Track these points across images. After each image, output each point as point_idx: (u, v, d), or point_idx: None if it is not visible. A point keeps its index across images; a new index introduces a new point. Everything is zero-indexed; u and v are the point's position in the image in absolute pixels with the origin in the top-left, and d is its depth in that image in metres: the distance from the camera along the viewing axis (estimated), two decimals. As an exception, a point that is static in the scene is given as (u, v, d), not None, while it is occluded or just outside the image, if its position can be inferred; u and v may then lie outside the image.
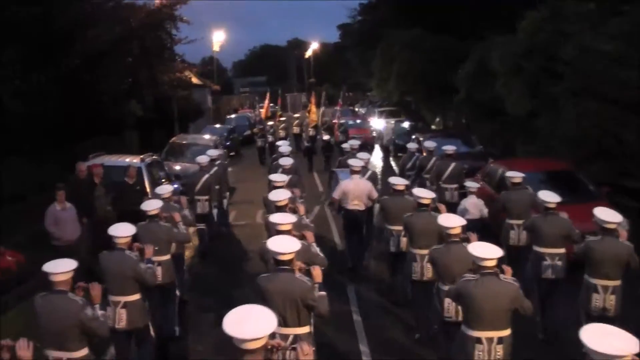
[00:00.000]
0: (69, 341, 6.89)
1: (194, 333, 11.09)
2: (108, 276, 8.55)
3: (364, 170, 14.55)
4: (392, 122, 36.81)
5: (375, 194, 13.93)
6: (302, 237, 8.49)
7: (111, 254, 8.67)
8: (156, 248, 9.38)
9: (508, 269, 7.43)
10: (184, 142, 24.52)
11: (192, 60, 78.01)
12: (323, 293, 7.17)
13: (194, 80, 44.50)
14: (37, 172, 19.14)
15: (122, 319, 8.53)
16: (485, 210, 13.16)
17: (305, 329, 7.14)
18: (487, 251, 7.23)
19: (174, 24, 27.59)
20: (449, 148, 16.80)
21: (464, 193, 14.36)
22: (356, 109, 58.70)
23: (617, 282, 8.84)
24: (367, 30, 44.65)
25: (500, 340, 7.14)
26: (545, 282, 10.19)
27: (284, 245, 7.08)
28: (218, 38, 58.52)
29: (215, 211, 16.38)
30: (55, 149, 21.32)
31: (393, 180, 12.41)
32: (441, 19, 32.06)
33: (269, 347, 5.11)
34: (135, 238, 9.06)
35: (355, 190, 13.73)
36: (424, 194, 10.66)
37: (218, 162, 17.46)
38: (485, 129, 24.16)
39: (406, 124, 35.42)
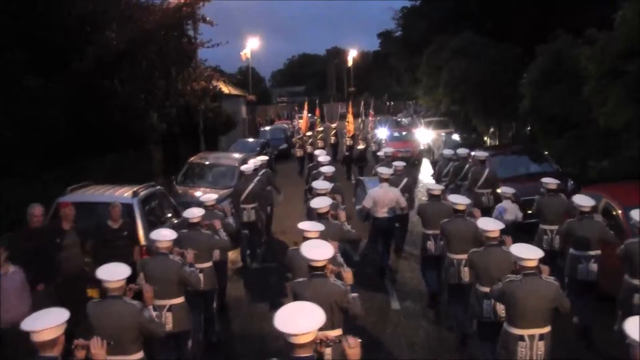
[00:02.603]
0: (126, 344, 7.06)
1: (234, 338, 11.58)
2: (153, 280, 8.55)
3: (399, 178, 15.33)
4: (443, 134, 33.51)
5: (404, 202, 14.33)
6: (335, 217, 9.61)
7: (155, 259, 9.02)
8: (196, 252, 9.62)
9: (546, 269, 7.74)
10: (205, 162, 20.96)
11: (228, 70, 77.25)
12: (355, 294, 7.45)
13: (225, 89, 41.88)
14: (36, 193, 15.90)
15: (168, 322, 8.77)
16: (520, 214, 13.49)
17: (339, 331, 7.24)
18: (528, 252, 7.63)
19: (195, 26, 24.67)
20: (482, 154, 17.39)
21: (498, 198, 14.71)
22: (399, 119, 55.52)
23: None
24: (411, 35, 41.54)
25: (542, 337, 7.51)
26: (580, 283, 10.63)
27: (317, 253, 7.32)
28: (252, 45, 56.14)
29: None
30: (63, 166, 18.64)
31: (430, 186, 13.09)
32: (497, 21, 28.74)
33: (318, 340, 5.38)
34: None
35: (384, 198, 14.00)
36: (460, 200, 11.03)
37: (263, 170, 17.60)
38: (555, 144, 20.56)
39: (456, 136, 32.25)
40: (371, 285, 13.60)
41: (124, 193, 12.90)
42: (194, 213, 10.70)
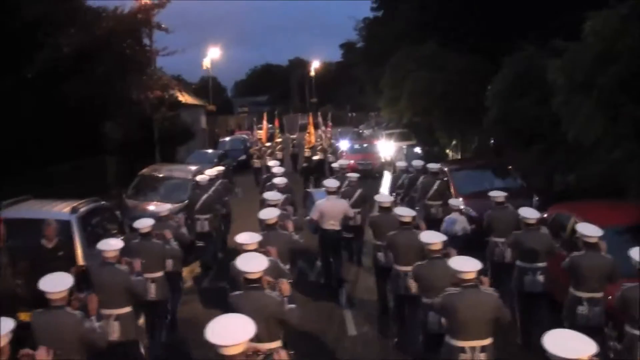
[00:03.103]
0: (69, 354, 6.95)
1: (183, 350, 11.20)
2: (99, 289, 8.53)
3: (353, 189, 15.69)
4: (404, 146, 32.87)
5: (351, 214, 14.54)
6: (267, 254, 8.65)
7: (102, 267, 8.93)
8: (143, 261, 9.48)
9: (486, 280, 7.80)
10: (158, 174, 19.93)
11: (190, 80, 76.24)
12: (293, 306, 7.54)
13: (184, 99, 40.92)
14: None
15: (114, 332, 8.69)
16: (469, 227, 13.63)
17: (277, 343, 7.29)
18: (466, 264, 7.63)
19: (150, 33, 23.76)
20: (434, 166, 17.43)
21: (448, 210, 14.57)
22: (360, 131, 54.94)
23: (601, 294, 9.22)
24: (374, 46, 41.02)
25: (483, 348, 7.52)
26: (527, 295, 10.70)
27: (252, 265, 7.40)
28: (213, 54, 55.30)
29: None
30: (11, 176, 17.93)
31: (379, 198, 13.02)
32: (461, 33, 28.20)
33: (250, 352, 5.54)
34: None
35: (331, 210, 14.08)
36: (405, 212, 11.11)
37: (219, 181, 17.61)
38: (521, 158, 19.96)
39: (418, 149, 31.65)
40: (325, 310, 13.47)
41: (63, 209, 11.89)
42: (145, 223, 10.72)
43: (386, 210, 12.36)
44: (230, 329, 5.29)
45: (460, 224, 13.67)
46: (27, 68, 18.92)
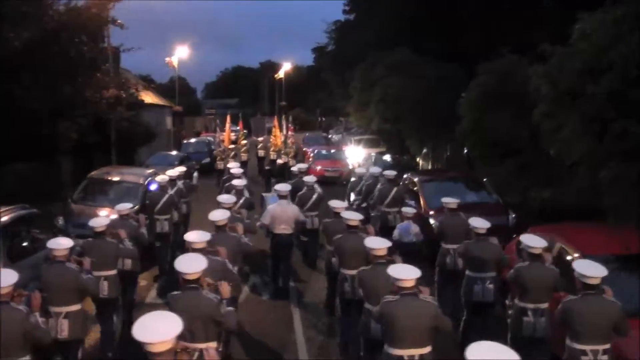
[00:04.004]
0: (13, 349, 6.98)
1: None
2: (49, 287, 8.67)
3: (310, 192, 15.90)
4: (373, 153, 31.77)
5: (302, 218, 14.71)
6: (216, 254, 8.92)
7: (51, 266, 8.90)
8: (93, 260, 9.52)
9: (425, 289, 7.74)
10: (107, 178, 18.51)
11: (159, 80, 74.78)
12: (231, 309, 7.68)
13: (149, 98, 39.61)
14: None
15: (63, 329, 8.66)
16: (421, 235, 13.74)
17: (212, 344, 7.36)
18: (405, 272, 7.57)
19: (104, 28, 22.44)
20: (390, 173, 17.41)
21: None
22: (329, 136, 53.84)
23: (546, 305, 9.11)
24: (345, 50, 40.04)
25: (422, 357, 7.45)
26: (476, 304, 10.68)
27: (189, 266, 7.37)
28: (181, 53, 53.98)
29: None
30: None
31: (332, 203, 12.74)
32: (436, 39, 27.22)
33: (178, 349, 5.45)
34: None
35: (282, 215, 14.14)
36: (352, 216, 11.06)
37: (181, 181, 17.51)
38: (494, 171, 18.92)
39: (388, 157, 30.56)
40: (273, 311, 13.49)
41: None
42: (99, 222, 10.66)
43: (339, 215, 12.06)
44: (156, 327, 5.26)
45: (412, 231, 13.74)
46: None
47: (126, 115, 27.87)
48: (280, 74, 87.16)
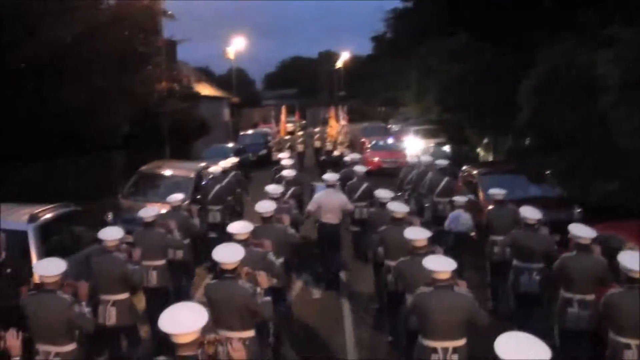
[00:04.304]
0: (57, 336, 7.32)
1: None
2: (98, 276, 9.11)
3: (359, 183, 15.80)
4: (431, 144, 30.95)
5: (350, 207, 14.54)
6: (259, 245, 9.08)
7: (101, 255, 9.33)
8: (142, 250, 9.79)
9: (463, 283, 7.63)
10: (158, 172, 18.24)
11: (217, 72, 74.88)
12: (267, 299, 7.62)
13: (203, 90, 39.48)
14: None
15: (111, 317, 9.08)
16: (472, 225, 13.52)
17: (249, 333, 7.55)
18: (440, 264, 7.48)
19: (155, 21, 22.19)
20: (442, 162, 17.32)
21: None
22: (389, 126, 52.99)
23: (592, 297, 8.86)
24: (402, 38, 39.22)
25: (455, 350, 7.36)
26: (521, 295, 10.55)
27: (227, 255, 7.52)
28: (238, 44, 53.75)
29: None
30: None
31: (378, 193, 12.81)
32: (494, 24, 26.24)
33: (205, 342, 5.53)
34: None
35: (328, 203, 14.04)
36: (397, 208, 10.94)
37: (232, 172, 17.64)
38: (556, 162, 18.03)
39: (447, 147, 29.71)
40: (322, 303, 13.52)
41: (20, 217, 10.28)
42: (149, 212, 10.85)
43: (385, 206, 11.91)
44: (182, 318, 5.33)
45: (464, 221, 13.56)
46: (20, 58, 17.44)
47: (179, 107, 27.68)
48: (339, 63, 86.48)
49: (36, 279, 9.24)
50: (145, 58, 22.00)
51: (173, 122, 27.76)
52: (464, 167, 18.53)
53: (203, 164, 19.57)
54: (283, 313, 10.94)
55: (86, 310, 7.56)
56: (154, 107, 24.26)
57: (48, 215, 10.65)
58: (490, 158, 30.27)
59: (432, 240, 9.21)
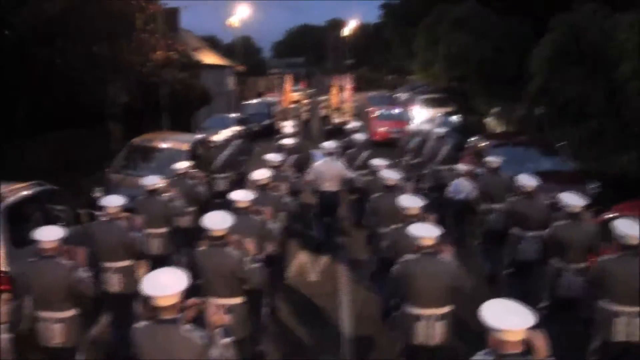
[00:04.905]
0: (58, 302, 7.36)
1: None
2: (99, 244, 9.09)
3: (358, 151, 15.71)
4: (439, 114, 29.95)
5: (349, 175, 14.43)
6: (258, 213, 9.14)
7: (102, 223, 9.31)
8: (144, 218, 10.04)
9: (448, 248, 7.66)
10: (149, 144, 17.33)
11: (224, 41, 73.88)
12: (256, 265, 7.68)
13: (206, 59, 38.68)
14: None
15: (114, 284, 9.09)
16: (474, 193, 13.24)
17: (237, 300, 7.64)
18: (425, 231, 7.51)
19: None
20: (441, 131, 17.43)
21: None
22: (396, 95, 51.98)
23: (584, 264, 8.95)
24: (410, 4, 38.25)
25: (440, 317, 7.39)
26: (520, 263, 10.55)
27: (215, 222, 7.56)
28: (242, 13, 52.64)
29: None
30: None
31: (373, 162, 12.99)
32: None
33: (188, 306, 5.61)
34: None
35: (327, 172, 14.16)
36: (389, 175, 11.08)
37: (235, 141, 18.04)
38: (567, 135, 17.16)
39: (455, 117, 28.73)
40: (321, 268, 13.65)
41: None
42: (151, 181, 10.98)
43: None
44: (162, 282, 5.41)
45: (465, 189, 13.57)
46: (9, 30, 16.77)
47: (179, 77, 26.84)
48: (346, 32, 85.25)
49: (1, 266, 8.66)
50: (139, 25, 21.08)
51: (172, 92, 26.98)
52: (473, 138, 17.67)
53: (199, 136, 18.83)
54: (280, 281, 11.37)
55: (85, 275, 7.53)
56: (151, 76, 23.39)
57: (15, 197, 9.77)
58: (500, 128, 29.40)
59: (426, 208, 9.20)
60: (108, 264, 9.11)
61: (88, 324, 8.28)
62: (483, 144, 16.66)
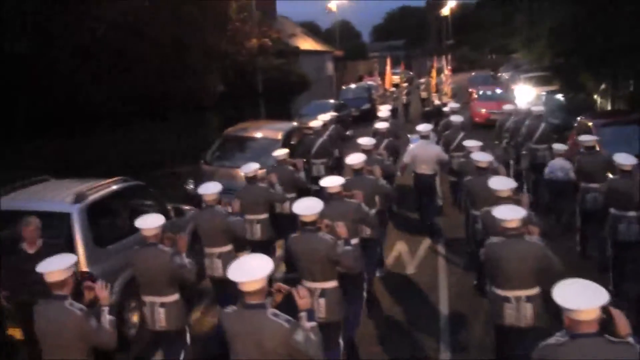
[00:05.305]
0: (161, 287, 7.72)
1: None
2: (201, 230, 9.53)
3: (455, 133, 15.65)
4: (543, 92, 28.62)
5: (445, 158, 14.58)
6: (351, 196, 9.16)
7: (203, 210, 9.66)
8: (243, 203, 10.14)
9: (535, 230, 7.60)
10: (244, 134, 17.14)
11: (323, 27, 73.73)
12: (348, 248, 7.66)
13: (305, 45, 38.45)
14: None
15: (218, 268, 9.29)
16: (572, 174, 13.00)
17: (331, 283, 7.73)
18: (509, 213, 7.46)
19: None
20: (538, 109, 16.87)
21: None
22: (498, 75, 50.48)
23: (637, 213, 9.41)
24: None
25: (528, 298, 7.37)
26: (621, 244, 10.35)
27: (306, 208, 7.65)
28: (340, -2, 52.26)
29: None
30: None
31: (467, 143, 12.88)
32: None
33: (274, 290, 5.80)
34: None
35: (423, 155, 14.20)
36: (481, 158, 10.94)
37: (332, 126, 17.58)
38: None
39: (560, 96, 27.38)
40: (416, 247, 13.85)
41: (65, 196, 9.20)
42: (250, 167, 11.10)
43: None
44: (248, 267, 5.46)
45: (563, 168, 13.42)
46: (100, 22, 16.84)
47: (275, 64, 26.57)
48: (445, 11, 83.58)
49: (83, 266, 8.48)
50: (232, 14, 20.87)
51: (269, 79, 26.73)
52: (580, 118, 16.63)
53: (293, 124, 18.67)
54: (377, 264, 11.43)
55: (187, 261, 7.80)
56: (246, 64, 23.18)
57: (99, 194, 9.55)
58: (609, 106, 27.93)
59: (520, 189, 9.39)
60: (210, 250, 9.43)
61: (191, 308, 8.67)
62: (590, 123, 15.60)
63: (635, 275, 10.24)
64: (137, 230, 9.67)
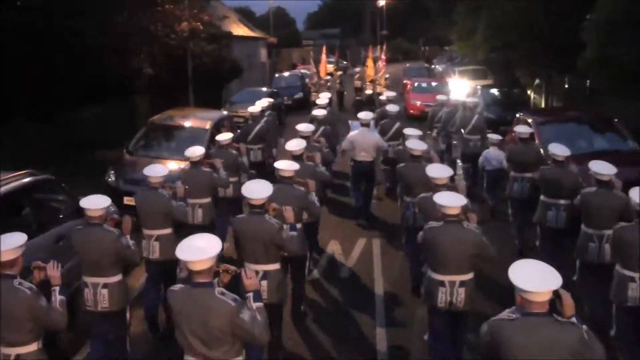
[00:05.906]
0: (105, 267, 7.70)
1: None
2: (142, 211, 9.37)
3: (392, 122, 16.04)
4: (478, 87, 28.34)
5: (384, 146, 14.95)
6: (303, 184, 9.35)
7: (146, 192, 9.53)
8: (187, 188, 10.04)
9: (473, 217, 7.86)
10: (169, 122, 16.21)
11: (259, 13, 72.80)
12: (293, 233, 7.93)
13: (237, 30, 37.60)
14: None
15: (155, 251, 9.24)
16: (505, 163, 13.34)
17: (274, 266, 7.92)
18: (450, 200, 7.66)
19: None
20: (473, 101, 17.55)
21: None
22: (432, 67, 50.42)
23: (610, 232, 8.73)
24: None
25: (462, 283, 7.61)
26: (549, 230, 10.77)
27: (255, 192, 7.80)
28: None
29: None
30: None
31: (406, 131, 12.98)
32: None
33: (221, 271, 5.81)
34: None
35: (362, 142, 14.37)
36: (416, 146, 11.13)
37: (268, 112, 17.82)
38: (624, 107, 15.71)
39: (496, 90, 27.12)
40: (351, 235, 14.02)
41: None
42: (195, 151, 11.11)
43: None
44: (197, 246, 5.51)
45: (497, 158, 14.00)
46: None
47: (206, 49, 25.67)
48: (381, 1, 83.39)
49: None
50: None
51: (200, 64, 25.80)
52: (519, 114, 16.20)
53: (223, 113, 18.02)
54: (314, 248, 11.74)
55: (131, 242, 7.84)
56: (176, 48, 22.26)
57: (1, 189, 8.55)
58: (543, 102, 27.82)
59: (452, 178, 9.62)
60: (149, 232, 9.28)
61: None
62: (529, 120, 15.12)
63: (561, 261, 9.95)
64: (52, 226, 9.43)
